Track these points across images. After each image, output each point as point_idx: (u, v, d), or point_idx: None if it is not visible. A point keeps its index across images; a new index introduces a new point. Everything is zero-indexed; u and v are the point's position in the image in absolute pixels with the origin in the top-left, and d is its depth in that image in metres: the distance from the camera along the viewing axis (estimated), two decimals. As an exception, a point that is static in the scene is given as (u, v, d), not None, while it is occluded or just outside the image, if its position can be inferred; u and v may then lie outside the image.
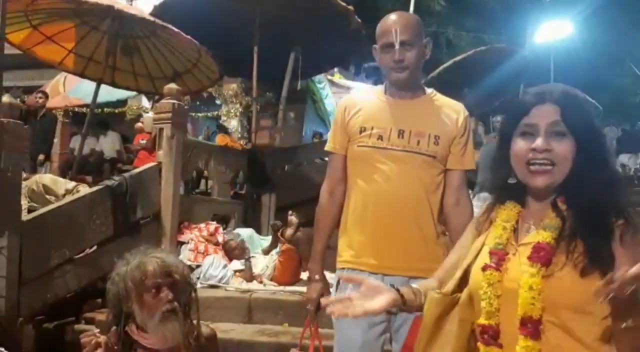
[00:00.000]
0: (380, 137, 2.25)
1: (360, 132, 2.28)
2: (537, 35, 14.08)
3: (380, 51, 2.28)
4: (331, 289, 2.37)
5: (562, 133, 1.40)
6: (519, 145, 1.43)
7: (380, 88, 2.41)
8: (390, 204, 2.21)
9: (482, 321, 1.40)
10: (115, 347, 1.96)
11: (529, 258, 1.37)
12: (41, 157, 8.82)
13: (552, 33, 14.03)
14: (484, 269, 1.42)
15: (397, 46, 2.21)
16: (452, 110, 2.31)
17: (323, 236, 2.42)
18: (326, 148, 2.43)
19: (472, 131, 2.39)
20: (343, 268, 2.28)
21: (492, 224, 1.52)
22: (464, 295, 1.47)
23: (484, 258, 1.45)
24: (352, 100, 2.41)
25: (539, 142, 1.39)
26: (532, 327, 1.33)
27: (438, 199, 2.28)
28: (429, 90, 2.37)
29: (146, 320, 1.95)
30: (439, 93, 2.40)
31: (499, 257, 1.42)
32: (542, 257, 1.35)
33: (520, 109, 1.46)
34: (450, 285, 1.49)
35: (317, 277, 2.38)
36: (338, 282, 2.29)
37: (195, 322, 2.06)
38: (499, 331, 1.38)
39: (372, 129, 2.26)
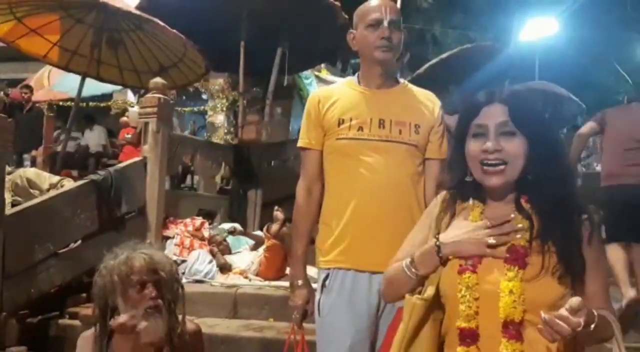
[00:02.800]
0: (360, 128, 2.17)
1: (339, 124, 2.19)
2: (523, 33, 14.16)
3: (364, 30, 2.20)
4: (315, 285, 2.29)
5: (511, 132, 1.43)
6: (472, 146, 1.46)
7: (352, 79, 2.33)
8: (378, 197, 2.15)
9: (461, 324, 1.41)
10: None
11: (506, 261, 1.39)
12: (34, 153, 8.75)
13: (538, 30, 14.12)
14: (461, 272, 1.42)
15: (386, 23, 2.15)
16: (427, 100, 2.29)
17: (303, 237, 2.31)
18: (300, 144, 2.31)
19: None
20: (328, 268, 2.20)
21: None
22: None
23: (455, 260, 1.45)
24: (325, 93, 2.32)
25: (488, 144, 1.42)
26: (514, 329, 1.36)
27: (422, 190, 2.23)
28: (401, 81, 2.33)
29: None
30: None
31: (475, 259, 1.43)
32: (518, 260, 1.38)
33: (470, 110, 1.49)
34: (430, 290, 1.47)
35: (299, 282, 2.28)
36: (323, 284, 2.20)
37: (180, 318, 2.06)
38: (478, 334, 1.40)
39: (351, 120, 2.18)
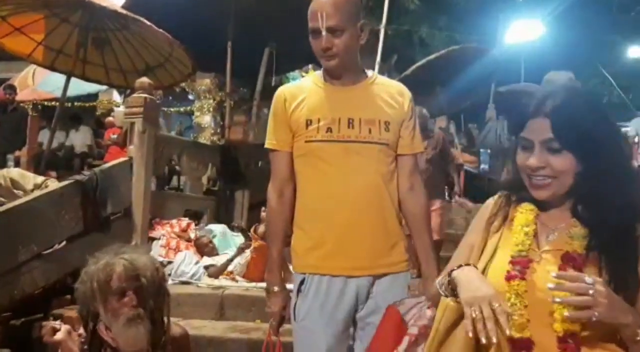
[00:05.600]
0: (329, 129, 2.10)
1: (307, 125, 2.12)
2: (508, 35, 14.23)
3: (309, 35, 2.12)
4: (290, 286, 2.25)
5: (556, 149, 1.36)
6: (520, 158, 1.41)
7: (318, 74, 2.24)
8: (350, 201, 2.10)
9: (514, 334, 1.32)
10: (82, 340, 1.92)
11: (560, 269, 1.31)
12: (17, 153, 8.66)
13: (523, 33, 14.20)
14: (509, 278, 1.35)
15: (323, 33, 2.04)
16: (397, 93, 2.21)
17: (278, 240, 2.24)
18: (267, 145, 2.23)
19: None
20: (304, 273, 2.16)
21: (507, 226, 1.47)
22: None
23: (502, 264, 1.39)
24: (290, 91, 2.21)
25: (532, 160, 1.37)
26: (573, 342, 1.28)
27: (395, 188, 2.19)
28: (369, 73, 2.25)
29: (111, 322, 1.90)
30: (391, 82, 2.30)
31: (523, 265, 1.36)
32: (574, 268, 1.31)
33: (517, 121, 1.44)
34: None
35: (275, 289, 2.22)
36: (299, 289, 2.16)
37: (165, 325, 2.00)
38: (533, 344, 1.32)
39: (319, 121, 2.11)
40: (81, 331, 1.95)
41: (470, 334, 1.26)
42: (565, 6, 13.39)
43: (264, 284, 4.99)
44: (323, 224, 2.14)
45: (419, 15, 14.17)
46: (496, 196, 1.55)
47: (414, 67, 9.13)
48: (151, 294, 1.92)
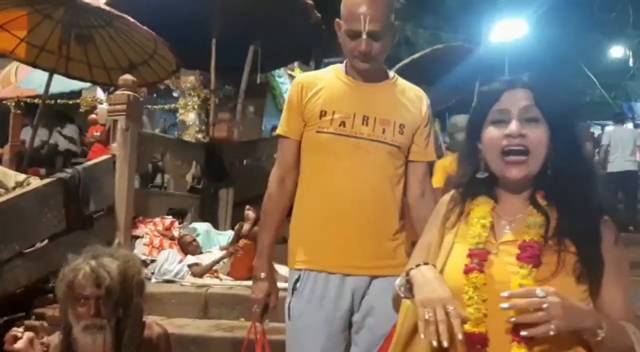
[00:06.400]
0: (342, 123, 2.06)
1: (320, 116, 2.08)
2: (493, 34, 14.30)
3: (345, 34, 2.06)
4: (284, 284, 2.23)
5: (535, 119, 1.34)
6: (492, 133, 1.37)
7: (340, 67, 2.20)
8: (356, 199, 2.06)
9: (468, 328, 1.28)
10: (45, 349, 1.91)
11: (518, 258, 1.30)
12: (0, 151, 8.59)
13: (507, 32, 14.28)
14: (467, 271, 1.32)
15: (364, 36, 2.00)
16: (416, 97, 2.20)
17: (271, 229, 2.20)
18: (278, 131, 2.20)
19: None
20: (300, 269, 2.11)
21: (463, 221, 1.44)
22: None
23: (460, 258, 1.36)
24: (309, 79, 2.18)
25: (513, 126, 1.33)
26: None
27: (400, 192, 2.16)
28: (391, 74, 2.23)
29: (73, 324, 1.89)
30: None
31: (481, 257, 1.33)
32: (532, 257, 1.29)
33: (489, 96, 1.41)
34: None
35: (262, 275, 2.18)
36: (294, 287, 2.11)
37: (137, 331, 1.97)
38: (488, 339, 1.29)
39: (334, 113, 2.07)
40: (44, 339, 1.93)
41: (422, 336, 1.23)
42: (549, 6, 13.50)
43: (248, 283, 5.01)
44: (323, 220, 2.10)
45: (404, 14, 14.20)
46: (451, 193, 1.52)
47: (399, 65, 9.15)
48: (118, 302, 1.89)
